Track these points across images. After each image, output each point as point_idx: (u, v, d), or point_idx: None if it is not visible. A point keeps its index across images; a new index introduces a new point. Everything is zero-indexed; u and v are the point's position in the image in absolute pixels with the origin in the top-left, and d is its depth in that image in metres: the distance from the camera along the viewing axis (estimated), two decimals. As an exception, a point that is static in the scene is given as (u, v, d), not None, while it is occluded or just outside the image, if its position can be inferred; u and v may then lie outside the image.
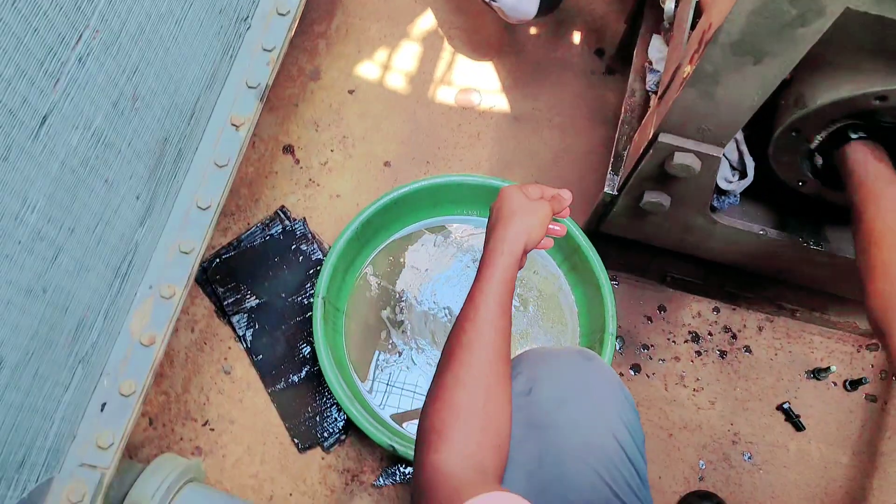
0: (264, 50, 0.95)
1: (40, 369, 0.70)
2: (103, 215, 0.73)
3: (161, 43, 0.75)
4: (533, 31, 1.54)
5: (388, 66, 1.49)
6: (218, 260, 1.29)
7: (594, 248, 1.19)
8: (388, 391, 1.22)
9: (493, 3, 1.26)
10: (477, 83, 1.49)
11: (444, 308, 1.28)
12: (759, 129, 0.91)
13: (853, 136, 0.81)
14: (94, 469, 0.79)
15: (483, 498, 0.50)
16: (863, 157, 0.80)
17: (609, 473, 0.70)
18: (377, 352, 1.24)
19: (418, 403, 1.22)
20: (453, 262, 1.29)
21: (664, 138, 0.88)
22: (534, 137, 1.45)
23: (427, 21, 1.53)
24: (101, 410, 0.81)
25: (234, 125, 0.92)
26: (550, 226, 0.82)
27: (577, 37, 1.53)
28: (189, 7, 0.79)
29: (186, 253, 0.87)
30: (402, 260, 1.30)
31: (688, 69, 0.79)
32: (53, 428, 0.75)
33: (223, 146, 0.91)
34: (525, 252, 0.76)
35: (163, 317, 0.85)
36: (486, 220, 1.29)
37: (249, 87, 0.94)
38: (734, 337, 1.31)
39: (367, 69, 1.48)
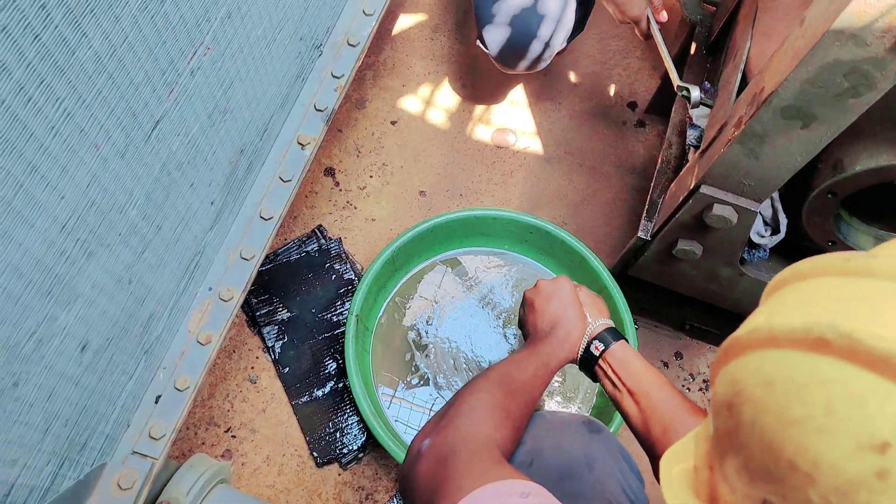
0: (333, 76, 1.01)
1: (114, 356, 0.73)
2: (184, 216, 0.78)
3: (253, 62, 0.81)
4: (573, 79, 1.61)
5: (430, 101, 1.55)
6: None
7: (620, 290, 1.24)
8: (410, 412, 1.25)
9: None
10: (513, 124, 1.55)
11: (467, 336, 1.31)
12: (794, 189, 0.97)
13: None
14: (145, 458, 0.82)
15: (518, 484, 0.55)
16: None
17: None
18: (402, 372, 1.27)
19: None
20: (478, 292, 1.34)
21: (705, 190, 0.94)
22: (563, 180, 1.51)
23: (468, 61, 1.60)
24: (156, 402, 0.84)
25: (300, 144, 0.97)
26: None
27: (612, 89, 1.60)
28: (279, 33, 0.85)
29: (247, 259, 0.92)
30: (430, 287, 1.34)
31: (735, 128, 0.85)
32: (114, 415, 0.78)
33: (289, 162, 0.96)
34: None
35: (220, 318, 0.89)
36: (512, 254, 1.34)
37: (317, 110, 0.99)
38: (747, 387, 1.35)
39: (410, 103, 1.55)
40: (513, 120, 1.56)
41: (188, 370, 0.85)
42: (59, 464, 0.68)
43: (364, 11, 1.06)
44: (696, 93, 1.07)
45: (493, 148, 1.53)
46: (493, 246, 1.37)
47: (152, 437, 0.82)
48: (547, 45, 1.25)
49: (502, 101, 1.57)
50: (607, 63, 1.63)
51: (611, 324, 0.93)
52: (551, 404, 1.27)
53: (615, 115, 1.58)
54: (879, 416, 0.27)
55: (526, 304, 0.98)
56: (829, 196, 0.91)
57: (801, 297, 0.35)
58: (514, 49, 1.27)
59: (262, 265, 1.35)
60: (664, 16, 1.21)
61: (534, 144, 1.54)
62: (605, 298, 1.26)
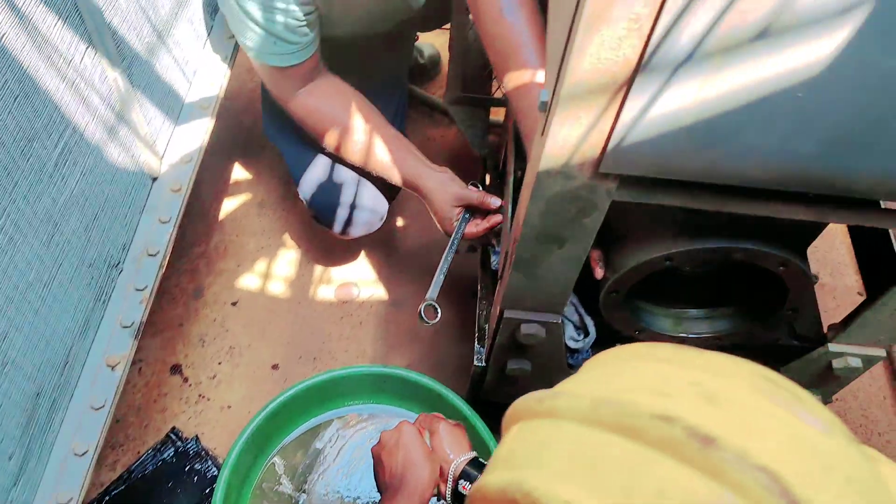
0: (137, 290, 1.02)
1: None
2: (-25, 484, 0.74)
3: (30, 307, 0.81)
4: (400, 223, 1.69)
5: (269, 274, 1.58)
6: (108, 497, 1.26)
7: (479, 417, 1.26)
8: None
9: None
10: (354, 276, 1.60)
11: (338, 498, 1.28)
12: (589, 293, 1.04)
13: None
14: None
15: None
16: None
17: None
18: (284, 562, 1.22)
19: None
20: (343, 455, 1.32)
21: (509, 313, 1.00)
22: (413, 319, 1.55)
23: (299, 228, 1.66)
24: None
25: (109, 366, 0.96)
26: None
27: (437, 223, 1.69)
28: (58, 269, 0.86)
29: None
30: (296, 460, 1.31)
31: (511, 256, 0.92)
32: None
33: (99, 388, 0.95)
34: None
35: (45, 575, 0.83)
36: (372, 405, 1.35)
37: (124, 327, 0.99)
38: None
39: (248, 280, 1.57)
40: (353, 273, 1.61)
41: None
42: None
43: (160, 220, 1.09)
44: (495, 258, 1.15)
45: (338, 304, 1.56)
46: (353, 403, 1.37)
47: None
48: (354, 206, 1.32)
49: (339, 257, 1.62)
50: (429, 200, 1.72)
51: (473, 455, 0.94)
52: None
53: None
54: None
55: (375, 463, 0.98)
56: (614, 294, 0.99)
57: (509, 446, 0.39)
58: (329, 223, 1.34)
59: (116, 487, 1.28)
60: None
61: (378, 292, 1.59)
62: (466, 428, 1.27)
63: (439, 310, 1.10)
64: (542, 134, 0.73)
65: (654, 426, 0.31)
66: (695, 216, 0.83)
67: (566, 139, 0.71)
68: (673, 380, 0.35)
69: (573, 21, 0.62)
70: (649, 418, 0.32)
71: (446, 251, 1.18)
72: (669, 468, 0.30)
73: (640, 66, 0.62)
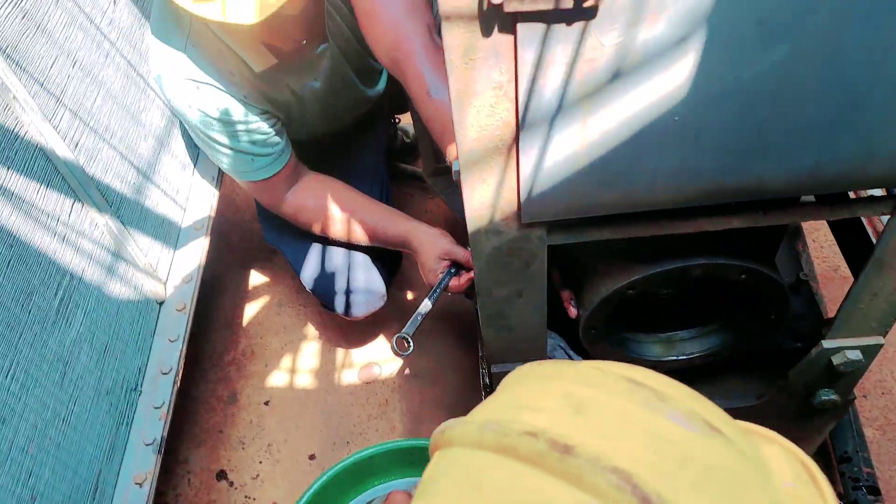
0: (155, 408, 1.10)
1: None
2: None
3: (52, 443, 0.90)
4: (409, 296, 1.76)
5: (295, 369, 1.66)
6: None
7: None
8: None
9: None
10: (374, 356, 1.66)
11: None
12: (573, 333, 1.07)
13: None
14: None
15: None
16: None
17: None
18: None
19: None
20: (388, 530, 1.35)
21: (496, 368, 1.04)
22: (436, 387, 1.59)
23: (317, 320, 1.74)
24: None
25: (137, 484, 1.03)
26: None
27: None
28: (74, 402, 0.95)
29: None
30: (342, 545, 1.34)
31: (481, 311, 0.97)
32: None
33: (131, 506, 1.02)
34: None
35: None
36: (404, 480, 1.38)
37: (146, 445, 1.07)
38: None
39: (277, 378, 1.65)
40: (373, 353, 1.67)
41: None
42: None
43: (169, 339, 1.18)
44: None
45: (363, 386, 1.62)
46: (386, 480, 1.40)
47: None
48: (350, 290, 1.40)
49: (357, 340, 1.69)
50: (436, 269, 1.79)
51: None
52: None
53: (457, 307, 1.71)
54: None
55: None
56: (592, 331, 1.02)
57: (422, 477, 0.42)
58: (333, 308, 1.42)
59: None
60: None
61: (398, 367, 1.64)
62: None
63: (411, 343, 1.18)
64: (463, 199, 0.79)
65: (522, 442, 0.34)
66: (647, 241, 0.86)
67: (481, 201, 0.76)
68: (549, 394, 0.38)
69: (449, 98, 0.69)
70: (518, 435, 0.34)
71: (426, 298, 1.25)
72: (536, 480, 0.32)
73: (519, 125, 0.68)
